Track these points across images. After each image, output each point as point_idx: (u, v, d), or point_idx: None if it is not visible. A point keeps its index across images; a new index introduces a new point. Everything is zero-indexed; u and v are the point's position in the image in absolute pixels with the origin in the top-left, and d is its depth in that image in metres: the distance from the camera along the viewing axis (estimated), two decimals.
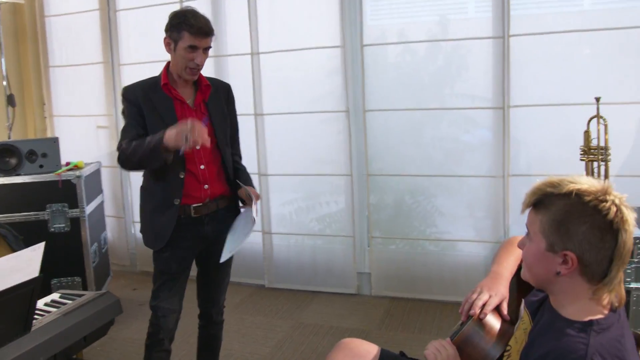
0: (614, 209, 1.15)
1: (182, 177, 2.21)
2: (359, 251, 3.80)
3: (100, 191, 3.92)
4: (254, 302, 3.76)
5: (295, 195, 3.96)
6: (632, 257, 2.18)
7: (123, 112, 2.30)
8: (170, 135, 2.01)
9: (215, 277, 2.42)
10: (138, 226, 4.37)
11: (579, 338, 1.16)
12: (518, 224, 3.49)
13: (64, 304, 2.04)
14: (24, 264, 1.64)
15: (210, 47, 2.21)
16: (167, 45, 2.21)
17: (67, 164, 3.60)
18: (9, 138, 4.22)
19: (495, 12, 3.36)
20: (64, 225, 3.39)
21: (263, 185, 3.92)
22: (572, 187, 1.19)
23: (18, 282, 1.62)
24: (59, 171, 3.40)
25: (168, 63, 2.26)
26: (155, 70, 4.21)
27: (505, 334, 1.46)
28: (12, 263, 1.61)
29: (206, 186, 2.25)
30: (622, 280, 1.22)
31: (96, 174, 3.81)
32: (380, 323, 3.34)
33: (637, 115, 3.22)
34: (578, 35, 3.25)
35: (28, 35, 4.55)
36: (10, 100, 4.23)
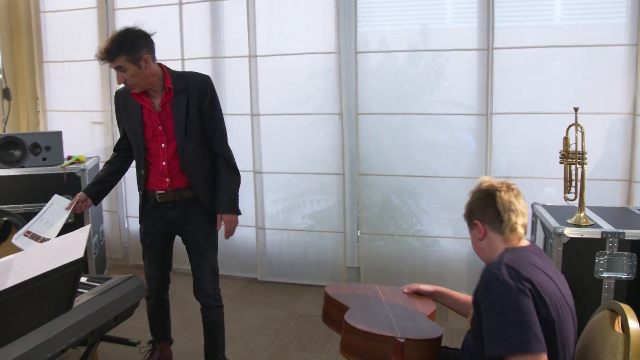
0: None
1: (142, 173, 2.58)
2: (349, 247, 4.01)
3: None
4: (248, 294, 3.92)
5: (287, 192, 4.14)
6: (604, 248, 2.45)
7: None
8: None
9: (193, 262, 2.67)
10: (131, 220, 4.51)
11: (496, 260, 1.60)
12: None
13: (93, 286, 2.18)
14: (73, 245, 1.78)
15: (119, 66, 2.36)
16: None
17: (69, 157, 3.69)
18: (4, 131, 4.28)
19: (480, 24, 3.62)
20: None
21: (257, 183, 4.09)
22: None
23: (67, 262, 1.77)
24: (64, 164, 3.51)
25: None
26: None
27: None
28: (64, 244, 1.75)
29: (167, 179, 2.55)
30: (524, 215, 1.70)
31: (96, 168, 3.91)
32: None
33: (606, 125, 3.52)
34: (552, 50, 3.54)
35: (23, 30, 4.60)
36: (6, 94, 4.29)
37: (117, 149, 2.73)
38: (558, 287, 1.54)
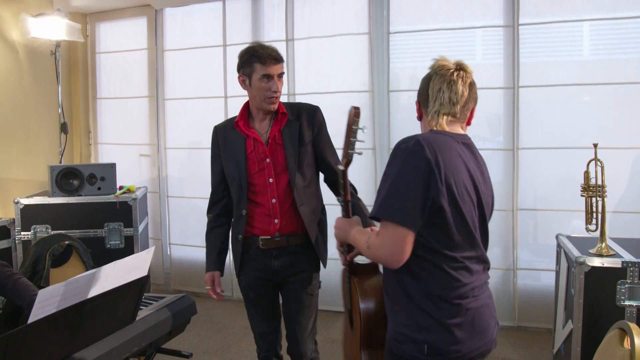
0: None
1: (244, 214, 2.27)
2: None
3: (147, 214, 4.30)
4: None
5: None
6: (625, 277, 2.57)
7: None
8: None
9: (292, 319, 2.36)
10: (174, 248, 4.78)
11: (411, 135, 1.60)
12: (525, 252, 3.89)
13: (150, 303, 2.41)
14: (140, 263, 2.02)
15: (283, 72, 2.23)
16: (242, 82, 2.25)
17: (120, 187, 3.99)
18: (60, 162, 4.63)
19: (506, 62, 3.82)
20: (119, 242, 3.77)
21: None
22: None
23: (135, 278, 2.00)
24: (117, 193, 3.80)
25: (247, 101, 2.32)
26: (198, 104, 4.67)
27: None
28: (133, 262, 1.99)
29: (276, 220, 2.24)
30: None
31: (144, 197, 4.21)
32: None
33: (630, 159, 3.65)
34: (578, 87, 3.70)
35: (80, 69, 5.01)
36: (64, 128, 4.64)
37: (214, 206, 2.39)
38: (473, 180, 1.56)
